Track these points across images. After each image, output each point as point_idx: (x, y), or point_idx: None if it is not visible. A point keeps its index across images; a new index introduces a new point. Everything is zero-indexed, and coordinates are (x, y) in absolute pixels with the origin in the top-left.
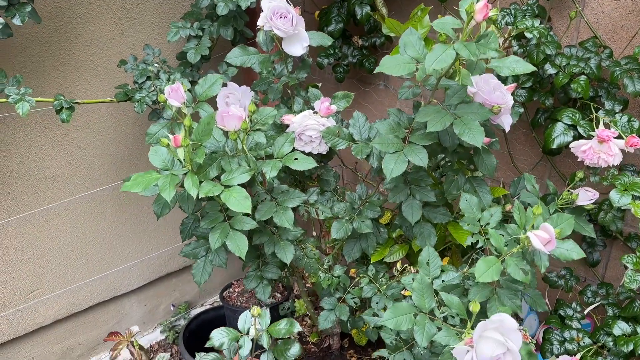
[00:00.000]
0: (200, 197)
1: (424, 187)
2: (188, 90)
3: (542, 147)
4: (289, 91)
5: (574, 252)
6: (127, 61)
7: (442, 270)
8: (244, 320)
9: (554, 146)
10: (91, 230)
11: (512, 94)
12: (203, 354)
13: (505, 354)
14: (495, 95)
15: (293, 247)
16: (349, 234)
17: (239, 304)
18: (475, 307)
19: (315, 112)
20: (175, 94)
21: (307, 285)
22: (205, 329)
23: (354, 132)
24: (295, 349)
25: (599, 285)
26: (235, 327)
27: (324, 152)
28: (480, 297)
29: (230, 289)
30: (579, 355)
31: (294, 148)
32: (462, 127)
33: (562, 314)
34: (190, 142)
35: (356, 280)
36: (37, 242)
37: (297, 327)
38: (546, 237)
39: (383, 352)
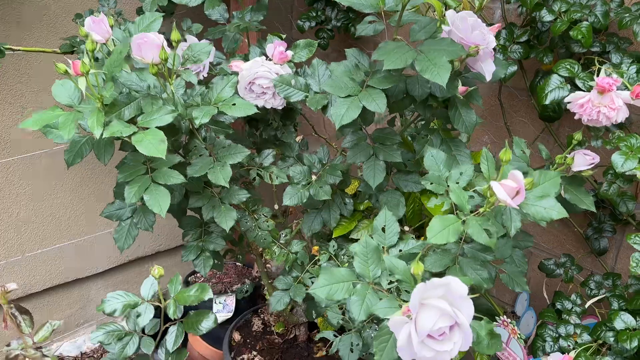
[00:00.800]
0: (105, 137)
1: (389, 146)
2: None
3: (539, 111)
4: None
5: (553, 210)
6: (82, 15)
7: (401, 239)
8: (149, 285)
9: (547, 102)
10: (48, 205)
11: (506, 50)
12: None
13: (453, 329)
14: (473, 34)
15: (235, 213)
16: (304, 201)
17: None
18: (417, 268)
19: (269, 59)
20: (97, 26)
21: (268, 265)
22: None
23: (312, 83)
24: (209, 322)
25: (604, 275)
26: None
27: (279, 107)
28: (437, 266)
29: (197, 274)
30: (573, 353)
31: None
32: (426, 64)
33: (559, 307)
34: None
35: (317, 258)
36: None
37: (209, 294)
38: (513, 185)
39: (327, 334)
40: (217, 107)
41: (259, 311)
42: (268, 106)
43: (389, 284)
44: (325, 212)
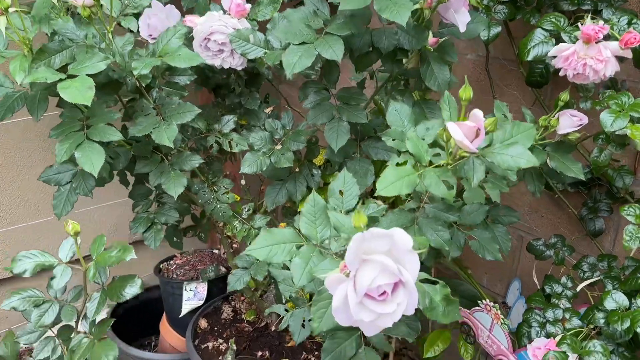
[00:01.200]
0: (26, 82)
1: (354, 106)
2: None
3: (525, 77)
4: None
5: (521, 158)
6: None
7: (363, 203)
8: (68, 246)
9: (530, 57)
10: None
11: (490, 10)
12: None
13: (396, 288)
14: None
15: (186, 180)
16: (264, 169)
17: (174, 276)
18: (359, 220)
19: (227, 14)
20: None
21: (235, 245)
22: (138, 313)
23: (272, 39)
24: (134, 287)
25: (599, 257)
26: (172, 305)
27: (239, 67)
28: (393, 226)
29: (171, 262)
30: (558, 338)
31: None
32: (384, 2)
33: (548, 291)
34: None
35: None
36: None
37: (131, 254)
38: (471, 125)
39: (277, 308)
40: (161, 59)
41: (230, 298)
42: (226, 65)
43: (340, 246)
44: (290, 184)
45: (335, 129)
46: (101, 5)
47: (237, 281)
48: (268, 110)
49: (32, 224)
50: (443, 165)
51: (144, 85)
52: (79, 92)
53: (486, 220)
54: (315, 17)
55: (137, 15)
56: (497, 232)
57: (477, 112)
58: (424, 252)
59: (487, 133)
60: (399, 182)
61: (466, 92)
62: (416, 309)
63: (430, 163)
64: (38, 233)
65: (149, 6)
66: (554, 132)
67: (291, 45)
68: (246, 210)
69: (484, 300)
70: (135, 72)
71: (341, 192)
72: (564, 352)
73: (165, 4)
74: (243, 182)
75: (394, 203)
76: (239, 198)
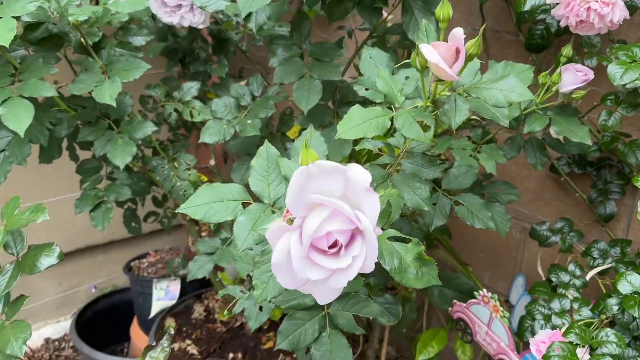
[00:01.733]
0: None
1: (328, 62)
2: None
3: (525, 41)
4: None
5: (513, 92)
6: None
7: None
8: None
9: (527, 7)
10: None
11: None
12: None
13: (353, 238)
14: None
15: (135, 148)
16: (227, 138)
17: (145, 275)
18: (307, 156)
19: None
20: None
21: (204, 233)
22: (109, 317)
23: None
24: (51, 257)
25: (611, 242)
26: (142, 306)
27: (200, 25)
28: None
29: (144, 259)
30: (564, 329)
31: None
32: None
33: (554, 280)
34: None
35: None
36: None
37: (44, 215)
38: (449, 45)
39: (232, 289)
40: (105, 5)
41: (203, 296)
42: (185, 23)
43: None
44: None
45: (306, 88)
46: None
47: (199, 269)
48: (242, 83)
49: None
50: (420, 107)
51: (91, 43)
52: None
53: (481, 196)
54: None
55: None
56: (495, 212)
57: (457, 31)
58: (389, 198)
59: (469, 57)
60: (365, 124)
61: (444, 9)
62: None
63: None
64: None
65: None
66: (556, 95)
67: None
68: None
69: (480, 291)
70: (71, 19)
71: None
72: (571, 343)
73: None
74: (212, 162)
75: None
76: (205, 179)
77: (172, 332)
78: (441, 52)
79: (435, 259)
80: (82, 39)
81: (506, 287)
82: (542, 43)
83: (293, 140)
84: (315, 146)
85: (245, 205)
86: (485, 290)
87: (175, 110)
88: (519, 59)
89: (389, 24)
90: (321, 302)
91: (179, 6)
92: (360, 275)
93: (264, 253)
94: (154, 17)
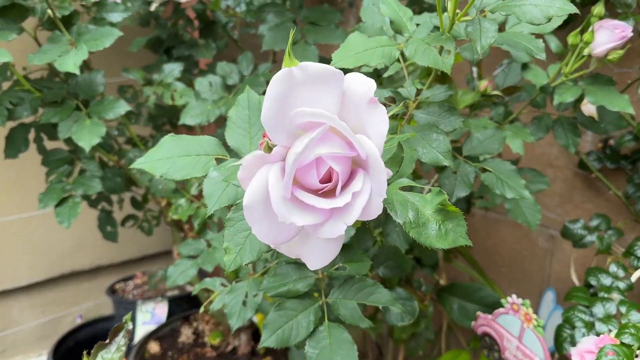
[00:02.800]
0: None
1: (325, 27)
2: None
3: None
4: None
5: (552, 5)
6: None
7: None
8: None
9: None
10: None
11: None
12: None
13: (355, 172)
14: None
15: (104, 129)
16: (211, 120)
17: (130, 297)
18: (290, 63)
19: None
20: None
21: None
22: (92, 345)
23: None
24: None
25: None
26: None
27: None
28: None
29: (129, 281)
30: (613, 334)
31: None
32: None
33: (593, 283)
34: None
35: None
36: None
37: None
38: None
39: (210, 282)
40: None
41: (191, 318)
42: None
43: None
44: None
45: (300, 54)
46: None
47: (180, 274)
48: None
49: None
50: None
51: (59, 16)
52: None
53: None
54: None
55: None
56: (522, 202)
57: None
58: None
59: None
60: (368, 52)
61: None
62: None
63: None
64: None
65: None
66: (588, 61)
67: None
68: (196, 185)
69: (509, 298)
70: None
71: None
72: (627, 345)
73: None
74: None
75: None
76: None
77: (130, 327)
78: None
79: (453, 271)
80: (50, 11)
81: (534, 304)
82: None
83: None
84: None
85: (219, 161)
86: (514, 296)
87: (154, 92)
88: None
89: None
90: (313, 265)
91: None
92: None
93: (237, 207)
94: None
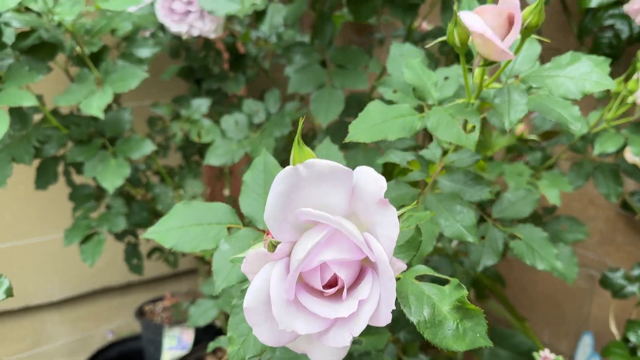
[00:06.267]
0: None
1: (352, 70)
2: None
3: (589, 49)
4: None
5: (588, 79)
6: None
7: None
8: None
9: (594, 4)
10: None
11: None
12: None
13: (363, 274)
14: None
15: (128, 169)
16: (235, 160)
17: (159, 320)
18: (301, 156)
19: None
20: None
21: None
22: None
23: None
24: None
25: None
26: (153, 355)
27: (212, 35)
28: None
29: (158, 303)
30: None
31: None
32: None
33: (633, 339)
34: None
35: None
36: None
37: None
38: (501, 10)
39: (223, 341)
40: (97, 4)
41: (216, 348)
42: (195, 32)
43: None
44: None
45: (326, 98)
46: None
47: (201, 315)
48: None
49: None
50: (461, 103)
51: (88, 52)
52: None
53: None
54: None
55: None
56: (561, 254)
57: None
58: (418, 222)
59: (527, 31)
60: (387, 124)
61: None
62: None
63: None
64: None
65: None
66: (631, 109)
67: None
68: None
69: (540, 352)
70: (57, 18)
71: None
72: None
73: None
74: (227, 192)
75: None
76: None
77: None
78: (488, 20)
79: (484, 311)
80: (79, 48)
81: (570, 347)
82: (611, 53)
83: None
84: (332, 156)
85: (231, 230)
86: (547, 350)
87: (181, 128)
88: None
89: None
90: None
91: (187, 12)
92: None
93: (243, 294)
94: (163, 29)
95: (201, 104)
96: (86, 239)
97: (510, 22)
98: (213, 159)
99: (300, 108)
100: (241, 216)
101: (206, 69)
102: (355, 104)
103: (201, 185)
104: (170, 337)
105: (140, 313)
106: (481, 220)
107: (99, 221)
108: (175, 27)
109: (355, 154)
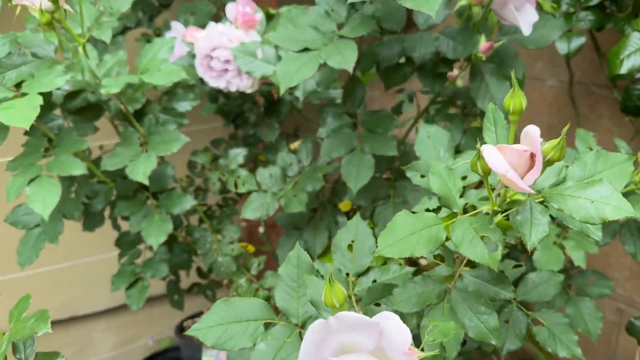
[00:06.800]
0: None
1: (381, 134)
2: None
3: (620, 102)
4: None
5: (607, 204)
6: None
7: (385, 263)
8: None
9: (623, 70)
10: None
11: (570, 18)
12: None
13: None
14: None
15: (171, 225)
16: (271, 213)
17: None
18: (331, 294)
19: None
20: None
21: None
22: None
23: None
24: None
25: None
26: None
27: (249, 90)
28: (412, 303)
29: (197, 319)
30: None
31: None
32: None
33: None
34: None
35: None
36: None
37: (46, 328)
38: (522, 150)
39: None
40: (139, 76)
41: None
42: (232, 88)
43: None
44: (309, 234)
45: (356, 163)
46: (65, 10)
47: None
48: (294, 145)
49: None
50: (485, 213)
51: (132, 110)
52: (21, 113)
53: (567, 290)
54: (328, 19)
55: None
56: (584, 309)
57: (531, 130)
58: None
59: (548, 163)
60: (414, 237)
61: (515, 100)
62: None
63: (473, 208)
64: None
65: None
66: None
67: (289, 53)
68: (256, 265)
69: None
70: (103, 91)
71: (350, 247)
72: None
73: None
74: (262, 229)
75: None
76: (252, 249)
77: None
78: (510, 158)
79: None
80: (122, 107)
81: None
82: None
83: (345, 213)
84: (362, 242)
85: (268, 325)
86: None
87: (219, 179)
88: (613, 118)
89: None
90: None
91: (225, 70)
92: None
93: None
94: (202, 81)
95: (238, 154)
96: (131, 285)
97: (532, 158)
98: (249, 212)
99: (330, 162)
100: (276, 309)
101: (242, 114)
102: (384, 158)
103: (238, 231)
104: (208, 355)
105: (180, 329)
106: (507, 303)
107: (144, 268)
108: (214, 82)
109: (384, 209)
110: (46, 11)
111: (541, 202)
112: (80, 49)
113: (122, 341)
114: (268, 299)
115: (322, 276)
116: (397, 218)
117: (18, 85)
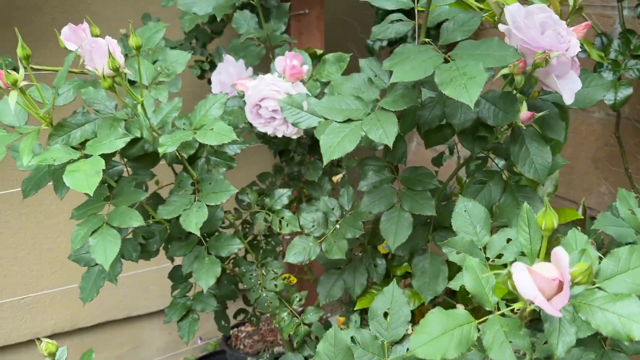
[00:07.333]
0: (30, 164)
1: (420, 192)
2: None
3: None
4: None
5: (635, 322)
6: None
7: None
8: None
9: None
10: None
11: (619, 66)
12: None
13: None
14: (544, 36)
15: (220, 268)
16: (312, 258)
17: (241, 347)
18: None
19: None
20: (75, 35)
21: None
22: None
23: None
24: None
25: None
26: None
27: (294, 136)
28: None
29: (242, 328)
30: None
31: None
32: (449, 74)
33: None
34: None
35: None
36: (32, 239)
37: None
38: (551, 276)
39: None
40: (195, 133)
41: None
42: (279, 134)
43: None
44: (348, 275)
45: (395, 221)
46: (125, 74)
47: None
48: (337, 177)
49: None
50: (516, 313)
51: (186, 156)
52: (85, 177)
53: None
54: (371, 86)
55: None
56: None
57: (559, 252)
58: None
59: (576, 284)
60: (446, 337)
61: (547, 219)
62: None
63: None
64: None
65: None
66: None
67: (333, 123)
68: (298, 299)
69: None
70: (160, 150)
71: (386, 315)
72: None
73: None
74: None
75: None
76: (295, 280)
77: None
78: (540, 283)
79: None
80: (177, 154)
81: None
82: None
83: (384, 255)
84: (398, 310)
85: None
86: None
87: (265, 220)
88: None
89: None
90: None
91: (273, 118)
92: None
93: None
94: (251, 124)
95: (282, 194)
96: (183, 317)
97: (561, 284)
98: (292, 257)
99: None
100: None
101: (288, 152)
102: (425, 217)
103: (281, 267)
104: None
105: (226, 338)
106: None
107: (194, 301)
108: (262, 128)
109: (422, 259)
110: (108, 77)
111: (568, 311)
112: (139, 107)
113: (174, 339)
114: (308, 334)
115: (359, 343)
116: (429, 316)
117: (82, 143)
